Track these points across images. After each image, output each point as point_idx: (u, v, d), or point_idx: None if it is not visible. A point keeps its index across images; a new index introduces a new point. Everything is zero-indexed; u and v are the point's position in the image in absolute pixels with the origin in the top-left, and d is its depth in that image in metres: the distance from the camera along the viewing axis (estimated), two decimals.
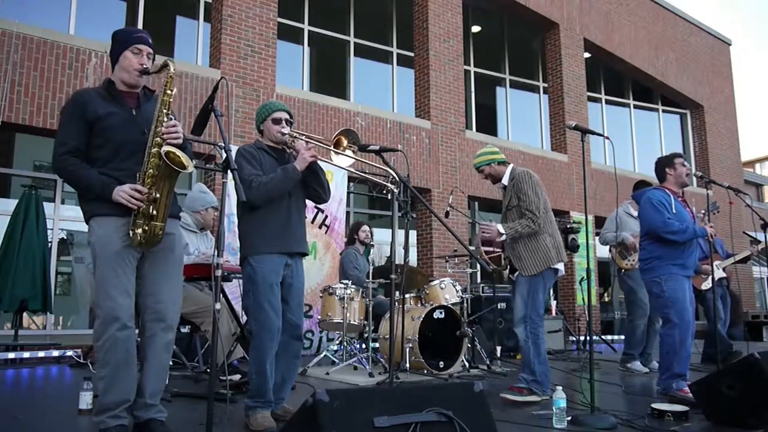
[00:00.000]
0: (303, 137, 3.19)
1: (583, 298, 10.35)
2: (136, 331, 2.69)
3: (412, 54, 10.53)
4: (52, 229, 7.28)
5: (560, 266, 4.07)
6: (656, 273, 4.15)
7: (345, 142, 3.17)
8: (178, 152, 2.54)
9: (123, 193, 2.51)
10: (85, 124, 2.58)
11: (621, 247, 5.81)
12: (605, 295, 12.93)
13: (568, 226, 9.81)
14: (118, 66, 2.69)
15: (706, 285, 5.95)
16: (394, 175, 3.15)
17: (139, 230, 2.53)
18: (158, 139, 2.54)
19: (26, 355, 5.74)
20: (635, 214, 5.76)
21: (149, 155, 2.55)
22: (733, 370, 3.19)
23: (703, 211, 4.84)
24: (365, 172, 3.61)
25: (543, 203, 4.07)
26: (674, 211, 4.14)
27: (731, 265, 6.54)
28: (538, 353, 3.95)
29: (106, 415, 2.51)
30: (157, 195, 2.54)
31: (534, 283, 4.01)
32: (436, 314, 5.32)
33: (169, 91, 2.59)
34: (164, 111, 2.58)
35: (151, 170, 2.54)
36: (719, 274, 6.35)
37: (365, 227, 6.37)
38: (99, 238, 2.56)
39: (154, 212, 2.54)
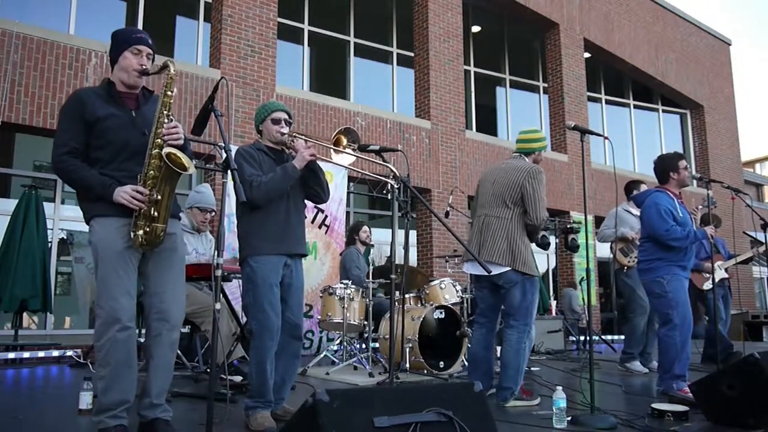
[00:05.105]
0: (302, 137, 3.18)
1: (583, 298, 10.34)
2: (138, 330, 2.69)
3: (412, 54, 10.53)
4: (52, 229, 7.27)
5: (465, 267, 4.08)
6: (658, 273, 4.13)
7: (345, 141, 3.16)
8: (179, 153, 2.53)
9: (124, 194, 2.50)
10: (84, 124, 2.56)
11: (622, 244, 5.79)
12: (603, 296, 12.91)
13: (568, 226, 9.80)
14: (117, 66, 2.66)
15: (707, 285, 5.94)
16: (395, 171, 3.14)
17: (140, 231, 2.52)
18: (159, 140, 2.52)
19: (26, 355, 5.73)
20: (634, 211, 5.75)
21: (150, 157, 2.53)
22: (733, 370, 3.19)
23: (699, 206, 4.81)
24: (365, 171, 3.60)
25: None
26: (680, 214, 4.14)
27: (733, 266, 6.54)
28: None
29: (106, 415, 2.51)
30: (159, 197, 2.53)
31: None
32: (436, 314, 5.33)
33: (169, 93, 2.57)
34: (165, 112, 2.56)
35: (152, 172, 2.52)
36: (721, 274, 6.33)
37: (365, 227, 6.37)
38: (100, 239, 2.55)
39: (156, 214, 2.53)
